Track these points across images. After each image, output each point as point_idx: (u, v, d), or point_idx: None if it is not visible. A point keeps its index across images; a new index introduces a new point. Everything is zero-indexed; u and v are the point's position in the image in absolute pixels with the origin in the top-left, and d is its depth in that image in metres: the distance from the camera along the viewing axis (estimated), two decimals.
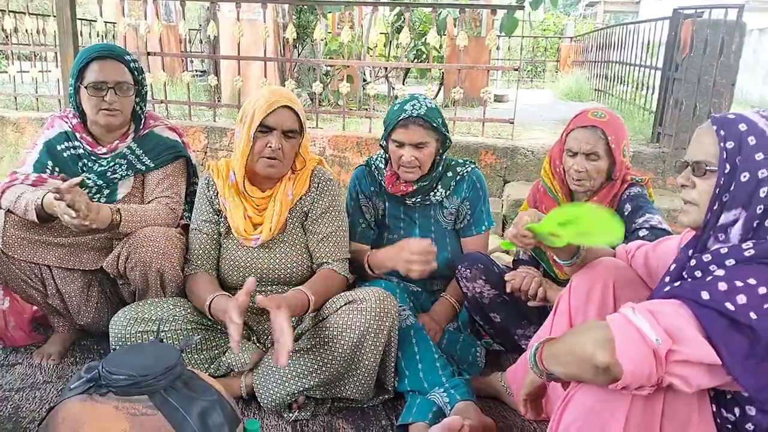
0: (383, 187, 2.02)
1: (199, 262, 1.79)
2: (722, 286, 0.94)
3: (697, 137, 1.12)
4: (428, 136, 1.86)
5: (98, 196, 1.91)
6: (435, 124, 1.85)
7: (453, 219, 2.03)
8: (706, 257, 1.03)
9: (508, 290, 1.76)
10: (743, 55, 3.81)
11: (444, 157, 1.96)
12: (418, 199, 1.99)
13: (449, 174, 1.99)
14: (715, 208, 1.05)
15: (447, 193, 1.99)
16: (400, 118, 1.84)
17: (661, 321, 0.92)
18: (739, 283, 0.93)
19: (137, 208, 1.84)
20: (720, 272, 0.97)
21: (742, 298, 0.91)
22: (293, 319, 1.82)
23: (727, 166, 1.03)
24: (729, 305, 0.91)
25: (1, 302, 1.99)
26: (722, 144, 1.04)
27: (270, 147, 1.67)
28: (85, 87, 1.83)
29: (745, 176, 1.01)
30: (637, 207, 1.77)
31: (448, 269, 2.00)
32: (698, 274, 1.03)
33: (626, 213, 1.79)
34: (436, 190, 1.98)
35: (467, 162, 2.04)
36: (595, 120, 1.79)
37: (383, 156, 2.03)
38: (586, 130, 1.79)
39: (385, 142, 1.94)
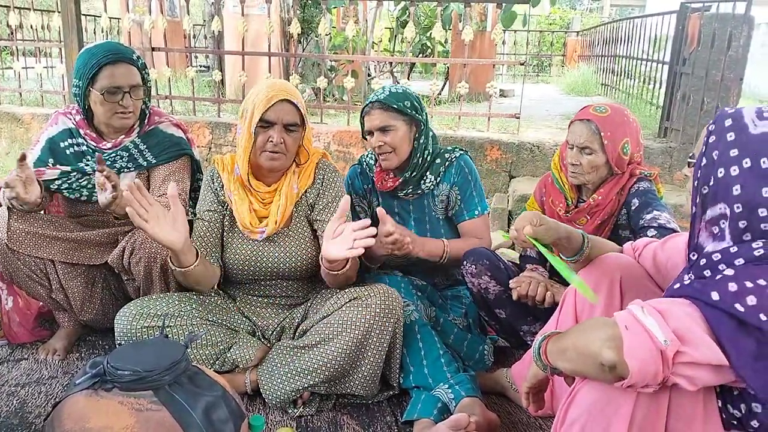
0: (375, 183, 2.03)
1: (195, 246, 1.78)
2: (732, 286, 0.92)
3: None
4: (391, 119, 1.87)
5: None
6: (396, 107, 1.86)
7: (444, 207, 2.02)
8: (716, 256, 1.01)
9: (514, 298, 1.75)
10: (751, 49, 3.78)
11: (425, 142, 1.95)
12: (410, 190, 1.99)
13: (438, 161, 1.98)
14: (698, 201, 1.05)
15: (437, 180, 1.98)
16: (364, 107, 1.92)
17: (670, 321, 0.91)
18: (749, 284, 0.91)
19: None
20: (729, 272, 0.96)
21: (752, 300, 0.90)
22: (299, 313, 1.83)
23: (704, 160, 1.04)
24: (739, 306, 0.90)
25: (5, 302, 2.00)
26: (706, 138, 1.05)
27: (271, 141, 1.67)
28: (101, 93, 1.81)
29: (720, 172, 1.01)
30: (645, 203, 1.76)
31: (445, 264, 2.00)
32: (707, 273, 1.01)
33: (633, 208, 1.78)
34: (426, 178, 1.97)
35: (456, 149, 2.03)
36: (592, 114, 1.78)
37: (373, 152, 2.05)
38: (582, 123, 1.79)
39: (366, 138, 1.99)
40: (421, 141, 1.94)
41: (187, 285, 1.72)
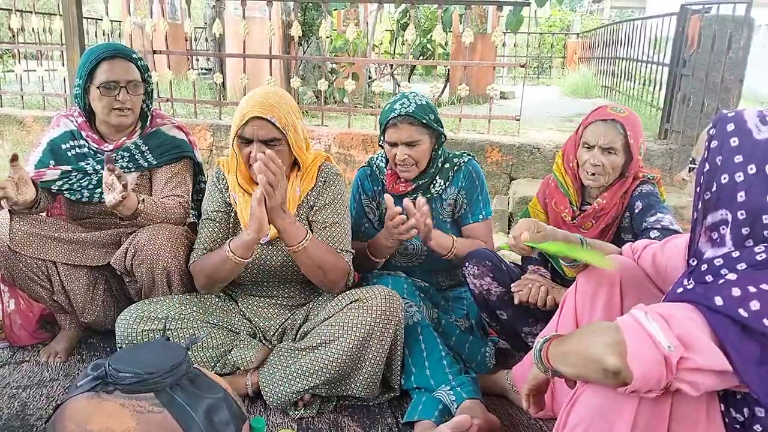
0: (385, 185, 2.04)
1: (207, 249, 1.77)
2: (735, 291, 0.92)
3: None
4: (419, 133, 1.87)
5: (100, 189, 1.91)
6: (425, 121, 1.86)
7: (451, 210, 2.04)
8: (718, 261, 1.00)
9: (516, 302, 1.75)
10: (751, 51, 3.78)
11: (441, 152, 1.97)
12: (420, 194, 1.98)
13: (447, 166, 2.00)
14: (699, 207, 1.04)
15: (446, 185, 2.00)
16: (390, 117, 1.87)
17: (674, 327, 0.90)
18: (752, 289, 0.91)
19: (157, 202, 1.85)
20: (732, 276, 0.95)
21: (755, 305, 0.89)
22: (300, 315, 1.82)
23: (707, 165, 1.02)
24: (742, 312, 0.89)
25: (6, 304, 2.00)
26: (708, 143, 1.03)
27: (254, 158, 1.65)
28: (98, 87, 1.84)
29: (724, 178, 1.00)
30: (648, 206, 1.76)
31: (450, 263, 2.01)
32: (709, 278, 1.00)
33: (636, 211, 1.78)
34: (435, 182, 2.00)
35: (464, 154, 2.05)
36: (615, 114, 1.77)
37: (384, 155, 2.05)
38: (605, 123, 1.78)
39: (382, 142, 1.96)
40: (439, 152, 1.96)
41: (220, 281, 1.73)
